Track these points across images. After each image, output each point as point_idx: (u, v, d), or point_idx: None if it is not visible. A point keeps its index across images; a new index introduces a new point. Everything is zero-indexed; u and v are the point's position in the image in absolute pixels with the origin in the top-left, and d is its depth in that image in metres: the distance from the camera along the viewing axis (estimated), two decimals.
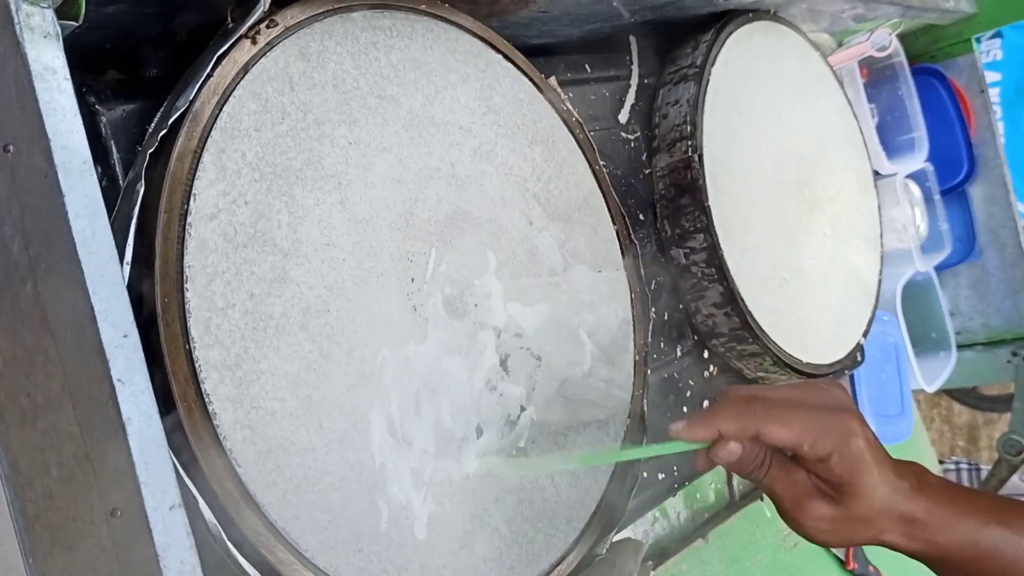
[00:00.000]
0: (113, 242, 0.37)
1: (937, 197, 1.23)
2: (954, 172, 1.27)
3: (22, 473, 0.41)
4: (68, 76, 0.37)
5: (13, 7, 0.36)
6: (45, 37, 0.37)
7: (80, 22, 0.40)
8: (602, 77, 0.78)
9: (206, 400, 0.42)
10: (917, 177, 1.22)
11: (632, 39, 0.81)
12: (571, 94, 0.70)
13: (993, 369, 1.27)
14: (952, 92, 1.26)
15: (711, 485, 0.94)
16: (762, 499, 0.96)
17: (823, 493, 0.50)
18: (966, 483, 1.52)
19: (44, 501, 0.40)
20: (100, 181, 0.48)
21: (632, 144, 0.78)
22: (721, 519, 0.91)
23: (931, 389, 1.17)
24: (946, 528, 0.50)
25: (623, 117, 0.78)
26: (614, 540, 0.64)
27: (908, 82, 1.20)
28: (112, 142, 0.46)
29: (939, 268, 1.27)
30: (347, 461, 0.47)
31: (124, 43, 0.55)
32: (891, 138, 1.22)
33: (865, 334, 0.90)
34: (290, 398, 0.45)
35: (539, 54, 0.68)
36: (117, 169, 0.47)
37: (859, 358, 0.94)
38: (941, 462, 1.33)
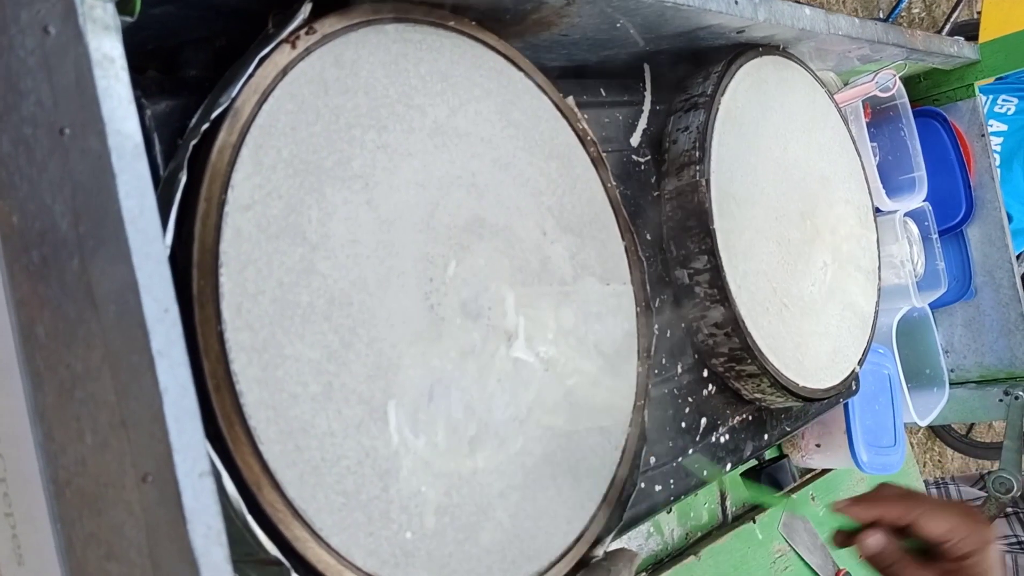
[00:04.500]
0: (159, 221, 0.39)
1: (935, 236, 1.25)
2: (952, 213, 1.30)
3: (56, 440, 0.43)
4: (125, 66, 0.39)
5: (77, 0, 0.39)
6: (105, 28, 0.39)
7: (134, 17, 0.42)
8: (616, 101, 0.80)
9: (234, 379, 0.44)
10: (916, 216, 1.25)
11: (646, 67, 0.84)
12: (586, 116, 0.73)
13: (985, 407, 1.29)
14: (953, 135, 1.29)
15: (705, 505, 0.96)
16: (754, 521, 0.97)
17: None
18: None
19: (76, 467, 0.42)
20: None
21: (642, 167, 0.81)
22: (714, 538, 0.93)
23: (923, 423, 1.19)
24: None
25: (635, 141, 0.80)
26: (610, 549, 0.66)
27: (910, 123, 1.23)
28: (155, 134, 0.49)
29: (935, 306, 1.30)
30: (363, 447, 0.49)
31: (165, 44, 0.58)
32: (892, 177, 1.25)
33: (860, 363, 0.93)
34: (312, 383, 0.47)
35: (557, 76, 0.71)
36: (159, 160, 0.49)
37: (854, 386, 0.96)
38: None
